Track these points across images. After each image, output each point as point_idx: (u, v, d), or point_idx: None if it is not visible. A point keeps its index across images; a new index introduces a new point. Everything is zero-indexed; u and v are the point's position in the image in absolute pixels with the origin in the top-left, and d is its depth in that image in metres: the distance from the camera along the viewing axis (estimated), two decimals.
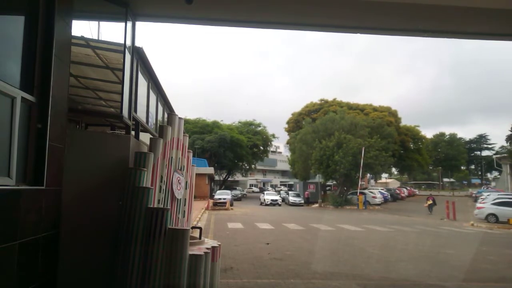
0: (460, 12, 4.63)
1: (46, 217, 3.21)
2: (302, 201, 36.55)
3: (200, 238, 4.51)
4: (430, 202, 27.54)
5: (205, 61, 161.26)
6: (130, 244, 3.80)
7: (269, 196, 37.96)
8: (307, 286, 6.21)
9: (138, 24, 4.87)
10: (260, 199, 39.52)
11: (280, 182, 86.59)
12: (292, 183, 63.72)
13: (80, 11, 4.12)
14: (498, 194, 27.68)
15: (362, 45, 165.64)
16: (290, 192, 41.09)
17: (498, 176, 56.34)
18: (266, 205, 35.37)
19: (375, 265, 8.40)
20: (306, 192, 38.31)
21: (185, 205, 5.71)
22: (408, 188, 56.85)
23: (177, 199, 5.33)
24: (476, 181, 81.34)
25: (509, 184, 39.80)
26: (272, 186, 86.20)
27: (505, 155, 42.92)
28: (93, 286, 4.00)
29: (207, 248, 4.07)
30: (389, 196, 41.65)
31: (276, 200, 36.39)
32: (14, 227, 2.72)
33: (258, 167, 69.66)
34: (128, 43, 4.61)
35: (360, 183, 34.65)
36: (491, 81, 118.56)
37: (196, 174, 7.00)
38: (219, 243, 4.45)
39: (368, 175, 46.18)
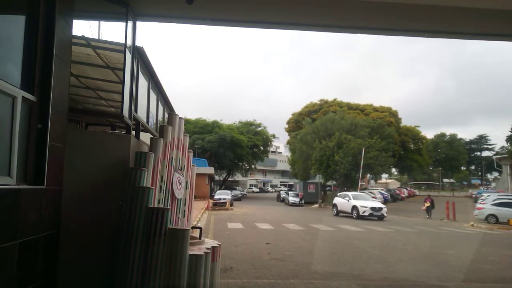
0: (460, 12, 4.63)
1: (46, 217, 3.21)
2: (302, 201, 36.53)
3: (200, 238, 4.51)
4: (428, 204, 24.36)
5: (207, 63, 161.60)
6: (130, 244, 3.80)
7: (364, 201, 22.71)
8: (307, 287, 6.20)
9: (141, 24, 4.88)
10: (336, 207, 24.36)
11: (280, 182, 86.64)
12: (292, 183, 63.75)
13: (80, 11, 4.12)
14: (498, 195, 27.67)
15: (364, 47, 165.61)
16: (290, 192, 41.00)
17: (498, 177, 56.36)
18: (361, 216, 21.24)
19: (375, 265, 8.39)
20: (300, 193, 38.17)
21: (185, 205, 5.71)
22: (408, 189, 56.85)
23: (177, 199, 5.33)
24: (476, 181, 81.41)
25: (509, 184, 39.80)
26: (272, 186, 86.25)
27: (505, 155, 42.91)
28: (93, 286, 3.99)
29: (207, 248, 4.07)
30: (389, 197, 41.60)
31: (381, 209, 21.63)
32: (14, 227, 2.72)
33: (258, 167, 69.68)
34: (129, 43, 4.62)
35: (360, 183, 34.67)
36: (492, 82, 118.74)
37: (196, 174, 7.00)
38: (219, 243, 4.45)
39: (368, 175, 46.23)
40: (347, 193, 25.80)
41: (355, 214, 21.86)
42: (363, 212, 21.37)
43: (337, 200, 24.99)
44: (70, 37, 3.69)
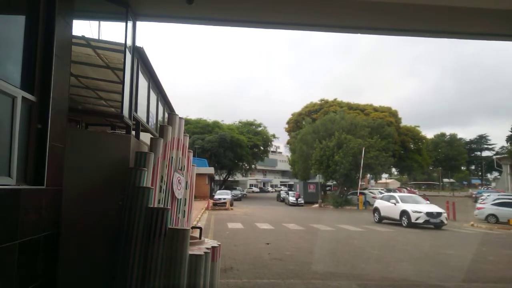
0: (460, 12, 4.63)
1: (46, 217, 3.21)
2: (302, 201, 36.51)
3: (200, 238, 4.51)
4: None
5: (207, 63, 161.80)
6: (130, 244, 3.80)
7: (417, 205, 18.01)
8: (307, 286, 6.20)
9: (141, 24, 4.88)
10: (378, 211, 19.60)
11: (280, 182, 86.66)
12: (292, 183, 63.77)
13: (80, 11, 4.12)
14: (498, 195, 27.64)
15: (365, 47, 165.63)
16: (290, 192, 40.99)
17: (498, 177, 56.35)
18: (413, 224, 16.97)
19: (375, 265, 8.39)
20: (296, 193, 38.12)
21: (185, 205, 5.71)
22: (408, 189, 56.80)
23: (177, 199, 5.33)
24: (476, 181, 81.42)
25: (509, 184, 39.79)
26: (272, 186, 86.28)
27: (505, 155, 42.90)
28: (93, 285, 4.00)
29: (207, 248, 4.07)
30: None
31: (440, 214, 17.16)
32: (14, 227, 2.72)
33: (258, 167, 69.71)
34: (129, 43, 4.62)
35: (360, 183, 34.62)
36: (492, 82, 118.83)
37: (196, 174, 7.00)
38: (219, 243, 4.45)
39: (368, 175, 46.15)
40: (393, 194, 21.56)
41: (406, 221, 17.42)
42: (416, 219, 16.96)
43: (379, 204, 20.15)
44: (70, 37, 3.69)
